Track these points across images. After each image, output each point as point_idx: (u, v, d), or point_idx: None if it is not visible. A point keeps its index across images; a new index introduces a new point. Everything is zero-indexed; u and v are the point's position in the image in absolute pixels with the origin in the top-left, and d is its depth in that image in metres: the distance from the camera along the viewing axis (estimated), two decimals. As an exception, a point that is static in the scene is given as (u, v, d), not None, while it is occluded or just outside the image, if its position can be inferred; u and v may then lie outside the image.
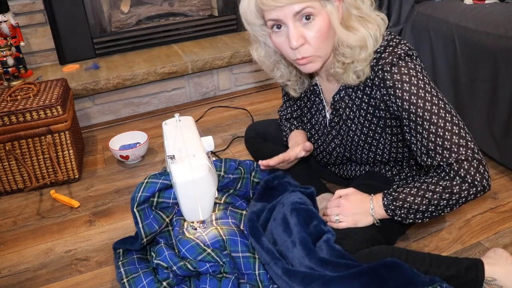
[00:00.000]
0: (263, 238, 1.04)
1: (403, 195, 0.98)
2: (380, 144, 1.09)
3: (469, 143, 0.94)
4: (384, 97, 0.98)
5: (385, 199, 1.01)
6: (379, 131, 1.07)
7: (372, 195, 1.05)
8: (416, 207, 0.97)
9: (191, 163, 1.02)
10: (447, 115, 0.94)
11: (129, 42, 2.26)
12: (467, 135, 0.95)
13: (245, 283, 1.03)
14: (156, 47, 2.31)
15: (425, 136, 0.95)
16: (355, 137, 1.10)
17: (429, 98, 0.94)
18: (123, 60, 2.15)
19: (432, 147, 0.95)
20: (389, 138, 1.08)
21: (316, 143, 1.22)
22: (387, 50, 0.96)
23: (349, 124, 1.10)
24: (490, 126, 1.41)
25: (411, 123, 0.96)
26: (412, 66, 0.94)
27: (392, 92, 0.95)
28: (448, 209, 0.97)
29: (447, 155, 0.94)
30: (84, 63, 2.14)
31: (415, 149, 0.99)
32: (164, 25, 2.33)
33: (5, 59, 1.84)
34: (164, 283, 1.02)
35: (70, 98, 1.69)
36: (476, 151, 0.94)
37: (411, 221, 1.00)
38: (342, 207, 1.05)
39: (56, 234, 1.33)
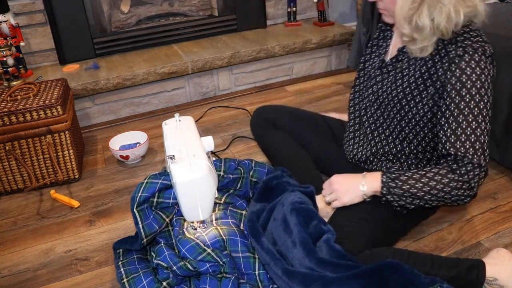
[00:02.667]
0: (263, 238, 1.04)
1: (405, 177, 0.99)
2: (409, 113, 1.08)
3: (486, 152, 0.97)
4: (447, 73, 0.98)
5: (384, 176, 1.02)
6: (417, 100, 1.06)
7: (365, 172, 1.07)
8: (414, 191, 0.98)
9: (191, 163, 1.02)
10: (482, 120, 0.96)
11: (129, 42, 2.26)
12: (486, 148, 0.97)
13: (245, 283, 1.03)
14: (156, 47, 2.31)
15: (460, 120, 0.96)
16: (394, 91, 1.10)
17: (478, 97, 0.95)
18: (123, 60, 2.15)
19: (459, 133, 0.96)
20: (420, 114, 1.07)
21: (354, 94, 1.25)
22: (479, 37, 0.97)
23: (398, 77, 1.09)
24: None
25: (452, 105, 0.97)
26: (488, 67, 0.96)
27: (458, 74, 0.96)
28: (436, 202, 0.99)
29: (471, 151, 0.95)
30: (84, 63, 2.14)
31: (441, 133, 1.00)
32: (164, 25, 2.33)
33: (5, 59, 1.84)
34: (164, 283, 1.02)
35: (70, 98, 1.69)
36: (487, 161, 0.97)
37: (401, 203, 1.01)
38: (332, 184, 1.08)
39: (56, 234, 1.33)
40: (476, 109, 0.95)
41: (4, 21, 1.85)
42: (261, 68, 2.30)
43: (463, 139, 0.96)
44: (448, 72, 0.98)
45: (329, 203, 1.13)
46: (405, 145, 1.13)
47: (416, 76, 1.05)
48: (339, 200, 1.08)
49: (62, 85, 1.63)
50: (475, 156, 0.95)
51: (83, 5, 2.07)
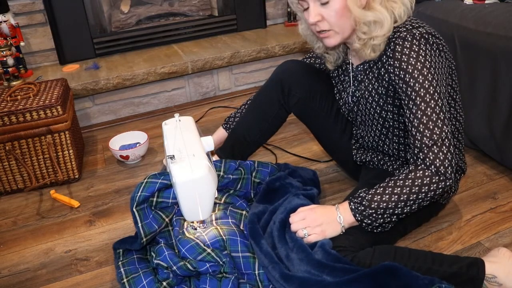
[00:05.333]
0: (262, 241, 1.04)
1: (370, 196, 0.99)
2: (390, 121, 1.10)
3: (444, 128, 0.97)
4: (389, 68, 1.01)
5: (351, 203, 1.01)
6: (391, 107, 1.08)
7: (337, 204, 1.05)
8: (384, 205, 0.97)
9: (191, 163, 1.02)
10: (431, 98, 0.97)
11: (129, 42, 2.26)
12: (444, 126, 0.97)
13: (245, 283, 1.03)
14: (156, 47, 2.31)
15: (411, 107, 0.98)
16: (371, 110, 1.13)
17: (422, 78, 0.97)
18: (123, 60, 2.15)
19: (413, 121, 0.98)
20: (396, 118, 1.09)
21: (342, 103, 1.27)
22: (407, 28, 1.00)
23: (367, 96, 1.12)
24: (490, 126, 1.41)
25: (403, 96, 1.00)
26: (423, 48, 0.97)
27: (397, 65, 0.99)
28: (417, 205, 0.98)
29: (427, 133, 0.96)
30: (84, 63, 2.14)
31: (409, 125, 1.00)
32: (164, 25, 2.33)
33: (5, 59, 1.84)
34: (164, 283, 1.02)
35: (70, 98, 1.69)
36: (445, 136, 0.97)
37: (380, 221, 0.99)
38: (308, 219, 1.03)
39: (56, 234, 1.33)
40: (422, 90, 0.97)
41: (4, 21, 1.85)
42: (261, 68, 2.30)
43: (416, 124, 0.97)
44: (390, 68, 1.01)
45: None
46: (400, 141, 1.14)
47: (376, 86, 1.08)
48: (321, 234, 1.01)
49: (62, 85, 1.63)
50: (433, 136, 0.95)
51: (83, 5, 2.07)
